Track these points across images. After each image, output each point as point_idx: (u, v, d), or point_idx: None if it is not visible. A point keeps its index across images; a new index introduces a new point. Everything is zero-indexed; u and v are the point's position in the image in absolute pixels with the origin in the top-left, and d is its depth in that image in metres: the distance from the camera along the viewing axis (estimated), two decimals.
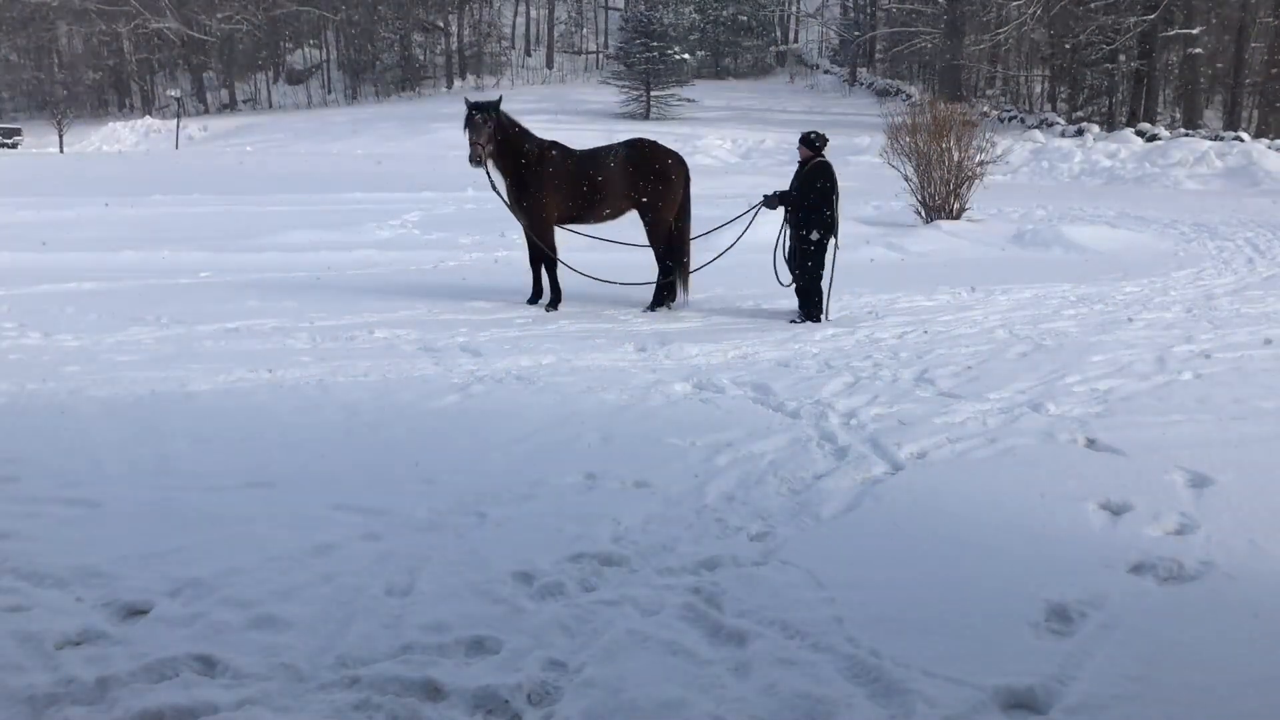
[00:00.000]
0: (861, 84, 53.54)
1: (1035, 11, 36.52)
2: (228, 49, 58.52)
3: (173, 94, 53.46)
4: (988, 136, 16.43)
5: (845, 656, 3.09)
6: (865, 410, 5.70)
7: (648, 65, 46.68)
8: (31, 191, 20.86)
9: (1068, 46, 38.93)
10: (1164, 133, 32.81)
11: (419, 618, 3.31)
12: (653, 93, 46.79)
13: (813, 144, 8.51)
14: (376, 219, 16.32)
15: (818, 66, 59.66)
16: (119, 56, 59.42)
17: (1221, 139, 30.96)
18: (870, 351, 7.31)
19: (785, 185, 8.90)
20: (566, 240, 9.59)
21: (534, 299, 9.33)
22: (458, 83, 56.89)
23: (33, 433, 5.28)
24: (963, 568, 3.70)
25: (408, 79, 57.89)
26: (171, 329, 7.98)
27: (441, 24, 58.56)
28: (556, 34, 63.37)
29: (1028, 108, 43.88)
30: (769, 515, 4.19)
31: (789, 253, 8.69)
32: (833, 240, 8.55)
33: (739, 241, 9.70)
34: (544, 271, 9.21)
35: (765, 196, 8.73)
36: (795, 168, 8.93)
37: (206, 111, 57.10)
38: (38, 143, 46.53)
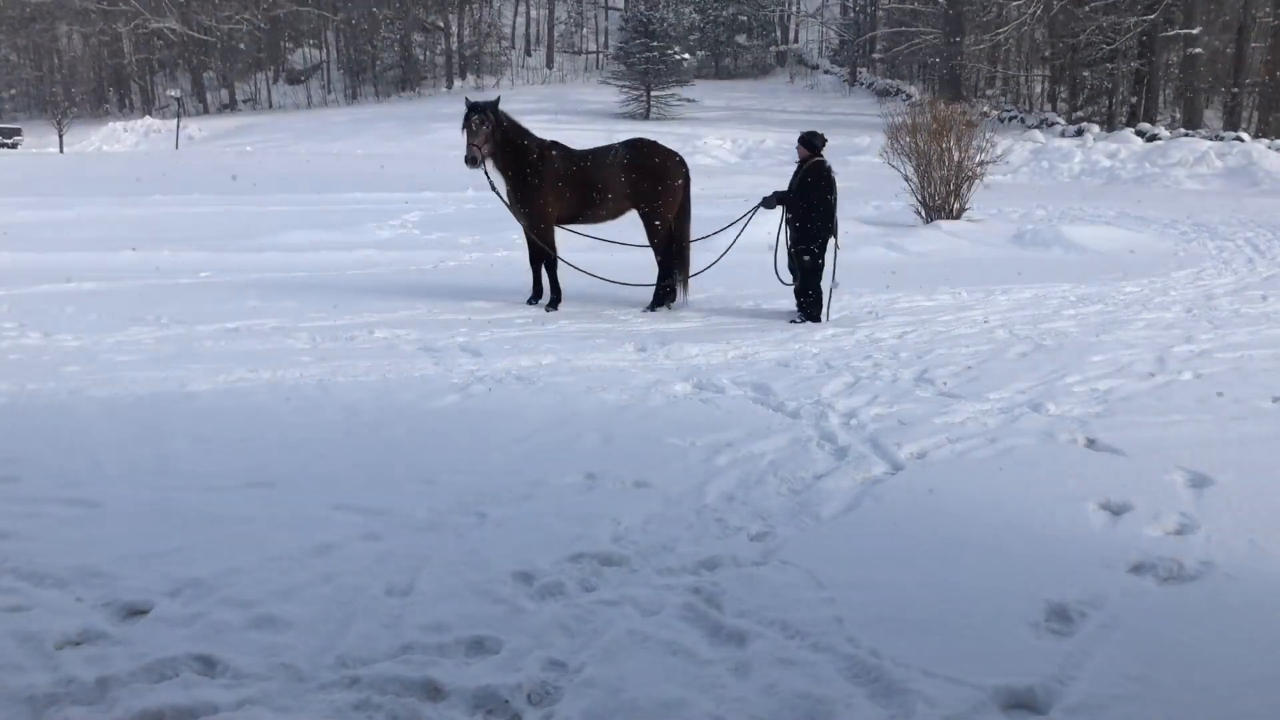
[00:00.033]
0: (861, 84, 53.51)
1: (1035, 11, 36.48)
2: (228, 49, 58.52)
3: (173, 94, 53.42)
4: (988, 136, 16.39)
5: (845, 656, 3.09)
6: (865, 410, 5.70)
7: (648, 65, 46.62)
8: (31, 191, 20.85)
9: (1068, 46, 38.90)
10: (1164, 133, 32.76)
11: (419, 618, 3.31)
12: (653, 93, 46.72)
13: (812, 144, 8.52)
14: (376, 219, 16.32)
15: (818, 66, 59.64)
16: (119, 56, 59.42)
17: (1221, 139, 30.93)
18: (870, 351, 7.32)
19: (785, 185, 8.91)
20: (566, 240, 9.59)
21: (534, 299, 9.34)
22: (458, 83, 56.86)
23: (33, 433, 5.28)
24: (963, 568, 3.70)
25: (408, 79, 57.87)
26: (171, 329, 7.98)
27: (441, 24, 58.55)
28: (556, 34, 63.36)
29: (1028, 108, 43.84)
30: (769, 515, 4.19)
31: (789, 252, 8.70)
32: (833, 240, 8.56)
33: (738, 241, 9.70)
34: (544, 271, 9.22)
35: (764, 199, 8.75)
36: (795, 168, 8.94)
37: (206, 111, 57.07)
38: (38, 143, 46.46)
